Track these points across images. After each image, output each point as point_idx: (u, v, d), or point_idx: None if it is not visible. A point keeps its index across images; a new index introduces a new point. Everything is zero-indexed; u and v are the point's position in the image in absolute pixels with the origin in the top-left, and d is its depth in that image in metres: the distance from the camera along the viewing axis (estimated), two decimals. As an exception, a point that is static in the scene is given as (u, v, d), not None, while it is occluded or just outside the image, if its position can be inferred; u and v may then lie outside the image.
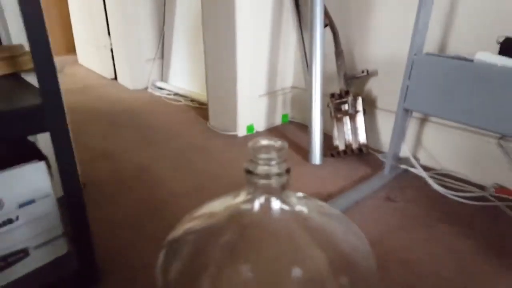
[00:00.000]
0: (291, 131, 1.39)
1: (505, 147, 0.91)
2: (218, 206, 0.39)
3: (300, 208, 0.36)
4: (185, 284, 0.35)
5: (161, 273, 0.37)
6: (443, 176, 1.02)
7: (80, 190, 0.55)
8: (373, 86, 1.19)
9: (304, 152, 1.20)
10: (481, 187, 0.97)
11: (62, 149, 0.52)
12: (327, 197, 0.93)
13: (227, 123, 1.37)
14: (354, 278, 0.34)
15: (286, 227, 0.35)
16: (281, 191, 0.35)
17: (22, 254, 0.56)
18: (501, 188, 0.94)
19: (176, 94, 1.86)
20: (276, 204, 0.35)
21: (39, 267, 0.59)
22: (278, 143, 0.35)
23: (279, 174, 0.34)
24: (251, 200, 0.35)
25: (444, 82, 0.83)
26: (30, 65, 0.57)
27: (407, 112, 0.96)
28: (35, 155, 0.57)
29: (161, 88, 1.96)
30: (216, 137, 1.33)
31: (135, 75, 1.99)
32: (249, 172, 0.34)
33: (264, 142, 0.35)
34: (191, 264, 0.36)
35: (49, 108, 0.49)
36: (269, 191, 0.35)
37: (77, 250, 0.58)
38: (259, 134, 1.38)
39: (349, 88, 1.18)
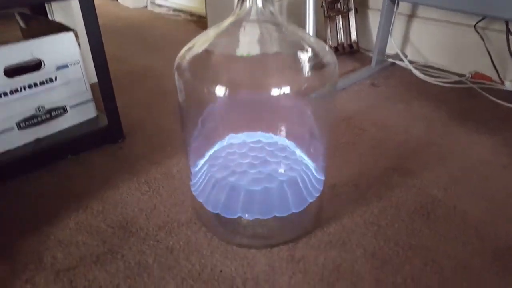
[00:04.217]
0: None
1: (480, 32, 1.00)
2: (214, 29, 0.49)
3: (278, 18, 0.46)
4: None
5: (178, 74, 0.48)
6: (427, 68, 1.12)
7: (104, 54, 0.65)
8: (365, -15, 1.25)
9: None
10: (461, 76, 1.06)
11: (89, 15, 0.61)
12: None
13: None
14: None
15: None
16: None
17: (62, 110, 0.68)
18: (477, 74, 1.04)
19: (175, 10, 1.91)
20: (259, 3, 0.45)
21: (76, 124, 0.72)
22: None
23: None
24: (242, 10, 0.46)
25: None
26: None
27: (392, 2, 1.03)
28: (63, 28, 0.67)
29: (160, 6, 2.00)
30: (216, 44, 1.41)
31: (134, -7, 2.01)
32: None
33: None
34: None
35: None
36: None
37: (105, 109, 0.70)
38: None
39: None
